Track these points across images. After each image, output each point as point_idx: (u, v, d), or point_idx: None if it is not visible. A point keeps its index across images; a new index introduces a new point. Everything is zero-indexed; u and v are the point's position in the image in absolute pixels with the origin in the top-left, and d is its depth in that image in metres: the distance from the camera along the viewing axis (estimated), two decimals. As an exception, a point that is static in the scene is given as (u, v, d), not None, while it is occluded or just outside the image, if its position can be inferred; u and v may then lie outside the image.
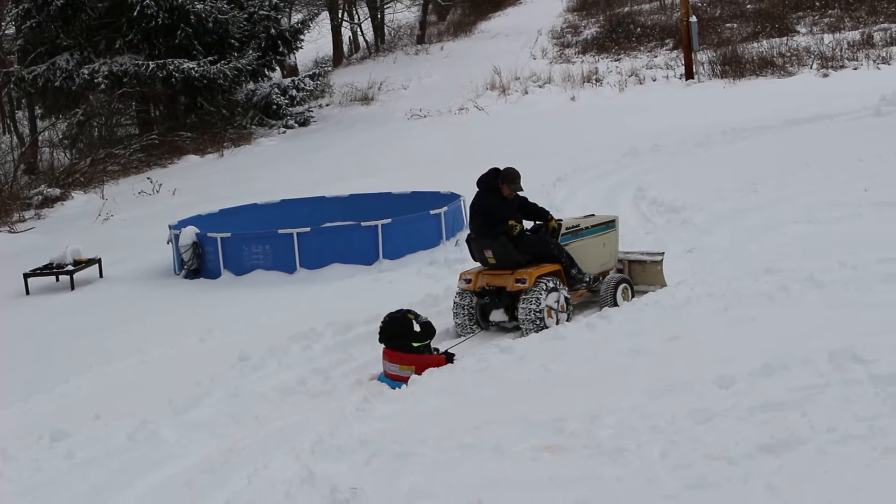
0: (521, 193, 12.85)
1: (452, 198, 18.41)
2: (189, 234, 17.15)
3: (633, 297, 13.15)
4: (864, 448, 6.82)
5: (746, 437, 7.27)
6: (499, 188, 12.54)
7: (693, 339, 10.28)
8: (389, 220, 16.77)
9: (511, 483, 7.21)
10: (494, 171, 12.67)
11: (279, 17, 39.36)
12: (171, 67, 33.51)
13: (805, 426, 7.31)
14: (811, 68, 35.49)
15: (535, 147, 26.17)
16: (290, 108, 37.79)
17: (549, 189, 21.03)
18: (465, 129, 32.47)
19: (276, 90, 37.61)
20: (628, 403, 8.38)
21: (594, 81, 37.96)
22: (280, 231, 16.79)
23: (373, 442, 8.40)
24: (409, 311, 11.46)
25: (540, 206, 13.30)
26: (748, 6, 47.03)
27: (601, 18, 49.86)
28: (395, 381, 10.75)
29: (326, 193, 21.40)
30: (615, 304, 12.81)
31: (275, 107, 37.30)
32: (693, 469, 6.95)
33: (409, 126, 34.47)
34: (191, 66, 33.78)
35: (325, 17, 51.29)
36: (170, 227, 18.05)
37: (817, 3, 44.77)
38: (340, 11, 53.44)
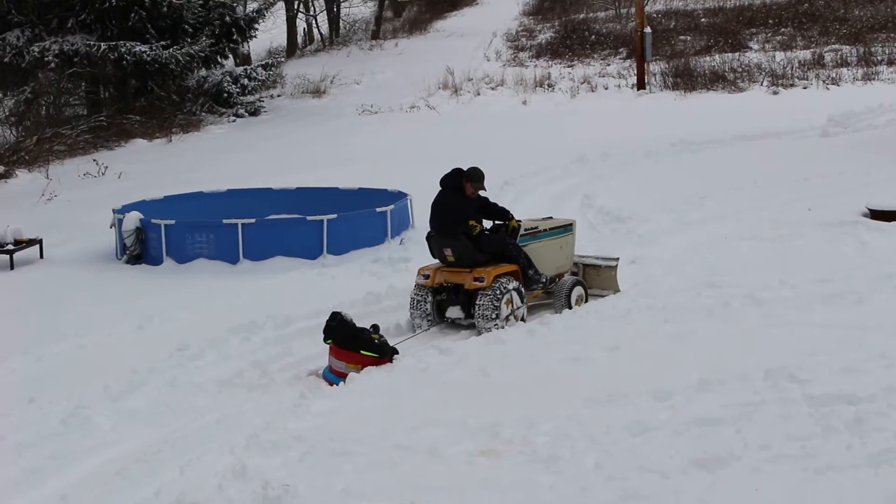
0: (482, 193, 13.01)
1: (399, 196, 18.35)
2: (133, 219, 16.98)
3: (587, 300, 13.29)
4: (795, 468, 6.89)
5: (680, 452, 7.33)
6: (461, 188, 12.74)
7: (632, 351, 10.35)
8: (335, 216, 16.68)
9: (445, 487, 7.22)
10: (458, 170, 12.86)
11: (234, 4, 39.08)
12: (123, 50, 33.14)
13: (739, 443, 7.38)
14: (762, 85, 35.82)
15: (484, 149, 26.12)
16: (241, 97, 37.54)
17: (496, 192, 20.94)
18: (415, 127, 32.43)
19: (228, 78, 37.34)
20: (565, 411, 8.42)
21: (546, 86, 38.08)
22: (225, 221, 16.67)
23: (308, 438, 8.37)
24: (373, 330, 11.35)
25: (501, 205, 13.44)
26: (702, 20, 47.37)
27: (556, 24, 50.00)
28: (339, 377, 10.73)
29: (274, 185, 21.27)
30: (569, 307, 12.94)
31: (226, 95, 37.02)
32: (626, 481, 6.99)
33: (360, 121, 34.39)
34: (143, 49, 33.44)
35: (280, 7, 51.02)
36: (114, 211, 17.84)
37: (770, 21, 45.19)
38: (296, 2, 53.29)
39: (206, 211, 19.34)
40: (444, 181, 12.91)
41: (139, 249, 16.93)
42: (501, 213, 13.27)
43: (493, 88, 38.32)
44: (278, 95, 40.78)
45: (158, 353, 11.57)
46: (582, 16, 51.75)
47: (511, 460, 7.57)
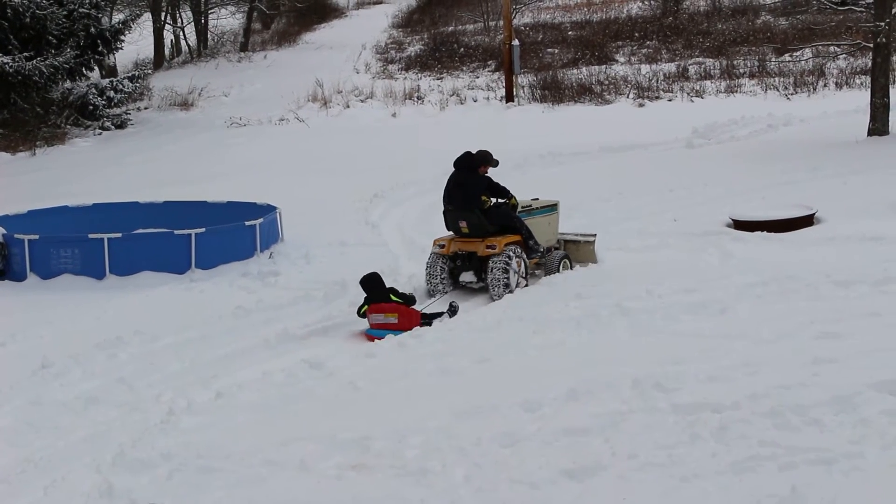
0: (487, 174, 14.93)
1: (268, 209, 18.23)
2: (-5, 234, 16.68)
3: (571, 268, 15.28)
4: (662, 476, 6.98)
5: (550, 462, 7.38)
6: (475, 168, 14.69)
7: (502, 362, 10.41)
8: (203, 230, 16.52)
9: (315, 502, 7.19)
10: (469, 153, 14.84)
11: (100, 15, 38.44)
12: (-16, 61, 32.60)
13: (607, 452, 7.46)
14: (628, 97, 36.30)
15: (354, 162, 26.15)
16: (108, 110, 36.95)
17: (366, 205, 21.02)
18: (285, 140, 32.25)
19: (94, 90, 36.75)
20: (435, 424, 8.43)
21: (416, 99, 38.16)
22: (90, 235, 16.40)
23: (176, 456, 8.27)
24: (391, 290, 13.25)
25: (502, 185, 15.19)
26: (570, 33, 47.88)
27: (425, 36, 50.14)
28: (382, 329, 12.60)
29: (141, 199, 21.01)
30: (557, 272, 14.92)
31: (91, 107, 36.43)
32: (496, 493, 7.03)
33: (229, 134, 34.05)
34: (5, 60, 32.82)
35: (147, 19, 50.34)
36: (-25, 226, 17.50)
37: (636, 34, 45.85)
38: (163, 14, 52.66)
39: (72, 225, 19.02)
40: (458, 163, 14.82)
41: (2, 265, 16.59)
42: (503, 192, 15.06)
43: (362, 101, 38.29)
44: (145, 108, 40.20)
45: (21, 370, 11.33)
46: (451, 28, 51.96)
47: (382, 474, 7.56)
